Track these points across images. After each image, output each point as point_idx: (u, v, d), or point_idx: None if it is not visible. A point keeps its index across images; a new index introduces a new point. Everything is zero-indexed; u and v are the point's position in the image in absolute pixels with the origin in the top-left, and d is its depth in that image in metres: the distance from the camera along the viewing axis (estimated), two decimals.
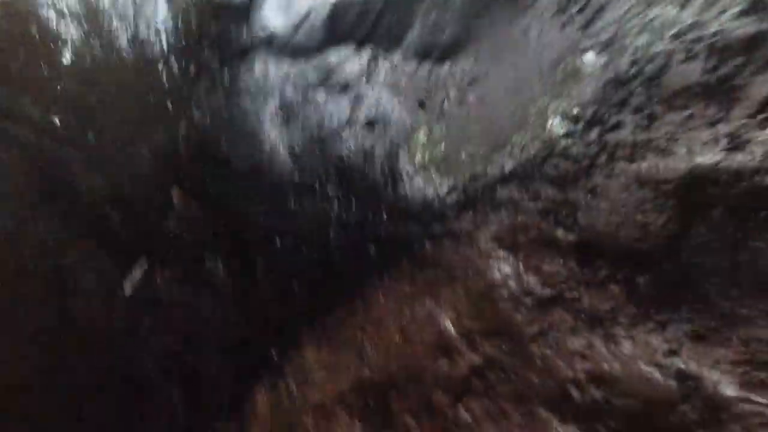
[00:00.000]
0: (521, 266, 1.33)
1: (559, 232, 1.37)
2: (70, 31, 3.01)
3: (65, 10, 3.02)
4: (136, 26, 3.39)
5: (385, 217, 2.34)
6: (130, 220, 2.99)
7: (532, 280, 1.27)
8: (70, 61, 2.85)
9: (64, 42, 2.93)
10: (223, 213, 3.22)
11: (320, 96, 3.45)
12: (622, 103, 1.55)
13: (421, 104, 2.95)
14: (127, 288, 2.70)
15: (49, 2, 2.97)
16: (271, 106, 3.61)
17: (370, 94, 3.23)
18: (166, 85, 3.63)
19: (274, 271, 2.67)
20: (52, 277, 2.45)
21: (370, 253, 2.12)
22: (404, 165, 2.62)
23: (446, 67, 2.98)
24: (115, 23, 3.27)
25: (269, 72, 3.82)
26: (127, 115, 3.18)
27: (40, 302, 2.34)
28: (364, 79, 3.34)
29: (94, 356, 2.39)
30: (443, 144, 2.47)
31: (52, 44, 2.83)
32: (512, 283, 1.29)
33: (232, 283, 2.77)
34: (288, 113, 3.54)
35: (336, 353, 1.49)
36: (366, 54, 3.42)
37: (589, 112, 1.69)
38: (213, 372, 2.15)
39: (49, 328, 2.35)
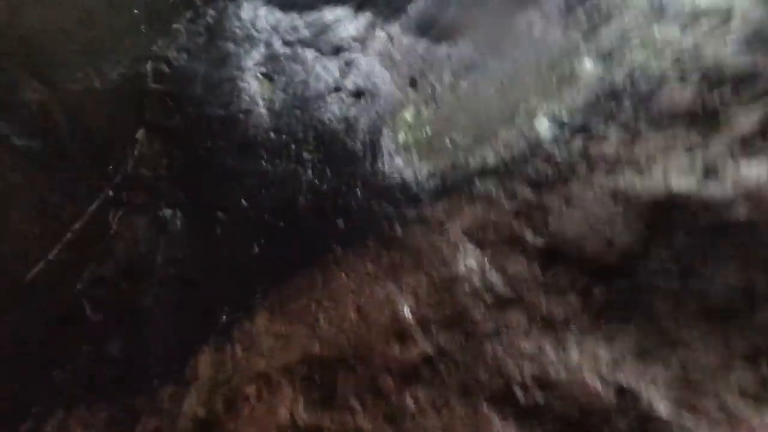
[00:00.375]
0: (487, 262, 1.33)
1: (529, 235, 1.38)
2: None
3: None
4: None
5: (358, 191, 2.28)
6: (84, 151, 2.74)
7: (495, 278, 1.27)
8: None
9: None
10: (189, 160, 3.03)
11: (310, 54, 3.26)
12: (611, 116, 1.56)
13: (413, 82, 2.85)
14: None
15: None
16: (256, 55, 3.37)
17: (362, 62, 3.08)
18: (141, 12, 3.29)
19: (234, 229, 2.55)
20: None
21: (337, 226, 2.07)
22: (386, 142, 2.55)
23: (444, 48, 2.88)
24: None
25: (258, 19, 3.55)
26: (91, 40, 2.86)
27: None
28: (358, 45, 3.17)
29: (28, 292, 2.23)
30: (429, 127, 2.42)
31: None
32: (475, 278, 1.30)
33: (187, 236, 2.64)
34: (273, 66, 3.33)
35: (288, 324, 1.45)
36: (364, 19, 3.25)
37: (578, 119, 1.68)
38: (155, 327, 2.06)
39: None
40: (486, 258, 1.34)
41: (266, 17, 3.53)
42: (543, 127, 1.82)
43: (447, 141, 2.21)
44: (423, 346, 1.15)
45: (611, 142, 1.49)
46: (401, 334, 1.22)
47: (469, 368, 1.07)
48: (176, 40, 3.53)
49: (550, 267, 1.25)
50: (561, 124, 1.75)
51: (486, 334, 1.14)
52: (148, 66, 3.32)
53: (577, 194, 1.43)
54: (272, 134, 2.98)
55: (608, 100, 1.62)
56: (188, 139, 3.08)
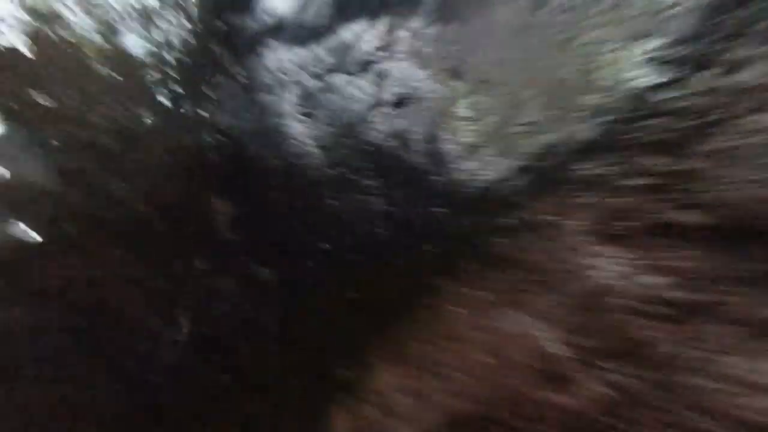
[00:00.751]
0: (634, 263, 1.07)
1: (677, 214, 1.09)
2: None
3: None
4: (149, 33, 3.22)
5: (434, 208, 2.11)
6: (168, 227, 2.93)
7: (652, 281, 1.02)
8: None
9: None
10: (260, 214, 3.10)
11: (339, 79, 3.19)
12: (740, 31, 1.20)
13: (455, 72, 2.62)
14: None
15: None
16: (290, 97, 3.39)
17: (394, 69, 2.92)
18: (183, 91, 3.48)
19: (323, 276, 2.52)
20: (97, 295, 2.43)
21: (426, 252, 1.91)
22: (447, 145, 2.34)
23: (477, 23, 2.60)
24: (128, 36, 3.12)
25: (282, 60, 3.57)
26: (151, 127, 3.07)
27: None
28: (384, 52, 3.02)
29: (155, 376, 2.38)
30: (491, 115, 2.17)
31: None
32: (626, 287, 1.05)
33: (283, 292, 2.67)
34: (309, 103, 3.31)
35: (415, 376, 1.33)
36: (382, 25, 3.09)
37: (689, 50, 1.34)
38: (276, 389, 2.08)
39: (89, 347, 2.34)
40: (630, 257, 1.09)
41: (289, 56, 3.54)
42: (639, 74, 1.49)
43: (519, 126, 1.95)
44: (591, 386, 0.94)
45: (753, 67, 1.14)
46: (555, 374, 1.02)
47: (669, 412, 0.83)
48: (218, 104, 3.68)
49: (726, 250, 0.96)
50: (665, 63, 1.41)
51: (668, 358, 0.89)
52: (202, 138, 3.49)
53: (724, 147, 1.11)
54: (328, 170, 2.94)
55: (729, 12, 1.25)
56: (254, 195, 3.17)
